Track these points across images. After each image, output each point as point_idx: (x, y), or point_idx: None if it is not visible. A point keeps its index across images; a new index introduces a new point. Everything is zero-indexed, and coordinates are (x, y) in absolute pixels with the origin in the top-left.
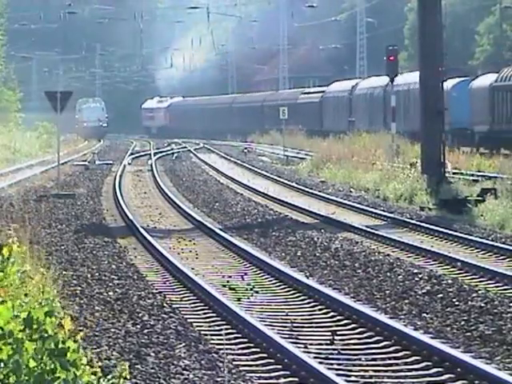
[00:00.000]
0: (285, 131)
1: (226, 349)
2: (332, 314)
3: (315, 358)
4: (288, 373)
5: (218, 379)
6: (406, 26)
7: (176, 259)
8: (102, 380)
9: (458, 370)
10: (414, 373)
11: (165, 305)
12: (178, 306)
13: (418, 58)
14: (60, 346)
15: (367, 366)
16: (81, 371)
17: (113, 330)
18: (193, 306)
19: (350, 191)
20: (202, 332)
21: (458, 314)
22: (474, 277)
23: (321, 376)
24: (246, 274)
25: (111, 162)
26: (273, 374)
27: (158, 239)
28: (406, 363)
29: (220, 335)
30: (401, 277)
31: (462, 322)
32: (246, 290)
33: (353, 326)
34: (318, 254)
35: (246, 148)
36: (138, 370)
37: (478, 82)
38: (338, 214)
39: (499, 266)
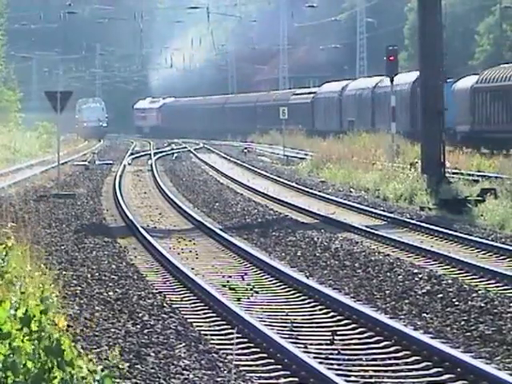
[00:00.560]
0: (285, 131)
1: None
2: (332, 313)
3: (315, 358)
4: (288, 373)
5: (218, 379)
6: (406, 25)
7: (176, 259)
8: (95, 374)
9: (458, 369)
10: (414, 373)
11: (165, 305)
12: (177, 305)
13: (418, 58)
14: (55, 344)
15: (367, 365)
16: (77, 369)
17: (113, 329)
18: (193, 306)
19: (350, 191)
20: (202, 332)
21: (458, 314)
22: (474, 277)
23: (321, 376)
24: (246, 274)
25: (111, 161)
26: (273, 374)
27: (158, 239)
28: (405, 363)
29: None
30: (401, 277)
31: (462, 322)
32: (246, 290)
33: (353, 325)
34: (317, 254)
35: (245, 148)
36: (138, 370)
37: (460, 83)
38: (338, 213)
39: (499, 265)
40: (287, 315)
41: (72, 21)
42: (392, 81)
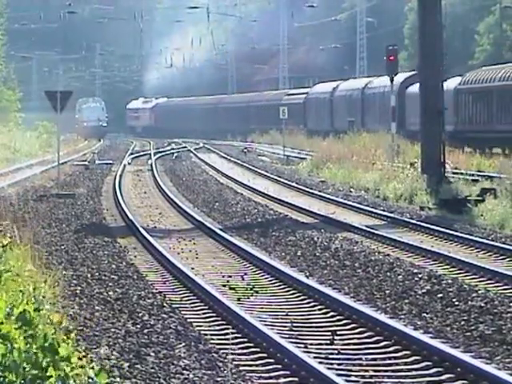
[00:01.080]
0: (285, 131)
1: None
2: (332, 313)
3: (315, 357)
4: (288, 373)
5: (218, 379)
6: (406, 25)
7: (176, 259)
8: (88, 369)
9: (458, 369)
10: (413, 373)
11: (165, 305)
12: (177, 305)
13: (418, 58)
14: (50, 341)
15: (367, 365)
16: (72, 366)
17: (113, 329)
18: (193, 306)
19: (350, 191)
20: (202, 332)
21: (458, 313)
22: (474, 277)
23: (321, 376)
24: (245, 273)
25: (111, 161)
26: (273, 374)
27: (158, 239)
28: (405, 363)
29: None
30: (401, 277)
31: (462, 322)
32: (246, 289)
33: (353, 325)
34: (317, 254)
35: (245, 148)
36: (137, 370)
37: (445, 84)
38: (338, 213)
39: (499, 266)
40: (287, 315)
41: (72, 21)
42: (392, 80)
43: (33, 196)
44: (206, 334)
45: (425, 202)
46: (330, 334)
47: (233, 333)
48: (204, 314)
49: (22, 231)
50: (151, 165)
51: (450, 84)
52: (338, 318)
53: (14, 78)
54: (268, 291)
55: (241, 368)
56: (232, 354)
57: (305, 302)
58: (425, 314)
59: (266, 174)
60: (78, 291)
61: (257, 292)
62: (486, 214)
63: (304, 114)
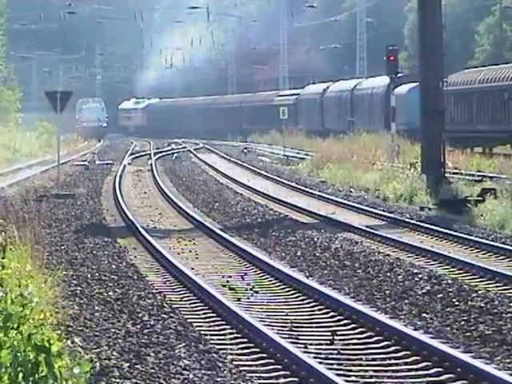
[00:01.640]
0: (285, 131)
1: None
2: (332, 314)
3: (315, 358)
4: (288, 373)
5: (218, 379)
6: (406, 25)
7: (176, 259)
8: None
9: (458, 370)
10: (413, 373)
11: (165, 305)
12: (177, 305)
13: (418, 58)
14: (40, 337)
15: (367, 365)
16: (62, 363)
17: (113, 329)
18: (193, 306)
19: (350, 191)
20: (202, 332)
21: (458, 314)
22: (474, 277)
23: (321, 376)
24: (245, 274)
25: (111, 161)
26: (273, 374)
27: (158, 239)
28: (406, 363)
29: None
30: (401, 277)
31: (462, 322)
32: (246, 290)
33: (353, 325)
34: (317, 254)
35: (245, 148)
36: (137, 370)
37: None
38: (338, 213)
39: (499, 266)
40: (287, 315)
41: (72, 21)
42: (392, 80)
43: (33, 196)
44: (205, 335)
45: (425, 202)
46: (329, 334)
47: (232, 333)
48: (204, 314)
49: (22, 231)
50: (151, 165)
51: None
52: (337, 318)
53: (14, 78)
54: (268, 291)
55: (241, 368)
56: (232, 354)
57: (305, 302)
58: (425, 314)
59: (265, 174)
60: (77, 291)
61: (257, 292)
62: (486, 215)
63: (295, 115)
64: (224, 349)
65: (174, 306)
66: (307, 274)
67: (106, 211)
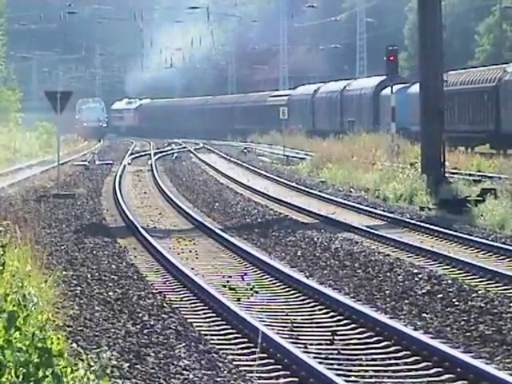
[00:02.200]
0: (285, 131)
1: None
2: (332, 314)
3: (315, 358)
4: (288, 373)
5: (218, 379)
6: (406, 25)
7: (176, 259)
8: (89, 372)
9: (458, 370)
10: (413, 373)
11: (165, 305)
12: (177, 306)
13: (418, 58)
14: (41, 338)
15: (367, 365)
16: (65, 363)
17: (113, 330)
18: (193, 306)
19: (350, 191)
20: (202, 332)
21: (458, 314)
22: (474, 277)
23: (321, 376)
24: (245, 274)
25: (111, 161)
26: (273, 374)
27: (158, 239)
28: (405, 363)
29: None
30: (401, 277)
31: (462, 322)
32: (246, 290)
33: (353, 325)
34: (318, 254)
35: (245, 148)
36: (137, 370)
37: (413, 88)
38: (338, 213)
39: (499, 265)
40: (287, 315)
41: (72, 21)
42: (392, 80)
43: (33, 196)
44: (205, 335)
45: (425, 202)
46: (329, 334)
47: (232, 332)
48: (204, 314)
49: (22, 231)
50: (151, 165)
51: (417, 88)
52: (337, 318)
53: (14, 78)
54: (268, 291)
55: (241, 368)
56: (232, 354)
57: (305, 302)
58: (425, 315)
59: (265, 174)
60: (78, 291)
61: (257, 292)
62: (485, 215)
63: (288, 115)
64: (224, 349)
65: (173, 306)
66: (307, 274)
67: (106, 211)
